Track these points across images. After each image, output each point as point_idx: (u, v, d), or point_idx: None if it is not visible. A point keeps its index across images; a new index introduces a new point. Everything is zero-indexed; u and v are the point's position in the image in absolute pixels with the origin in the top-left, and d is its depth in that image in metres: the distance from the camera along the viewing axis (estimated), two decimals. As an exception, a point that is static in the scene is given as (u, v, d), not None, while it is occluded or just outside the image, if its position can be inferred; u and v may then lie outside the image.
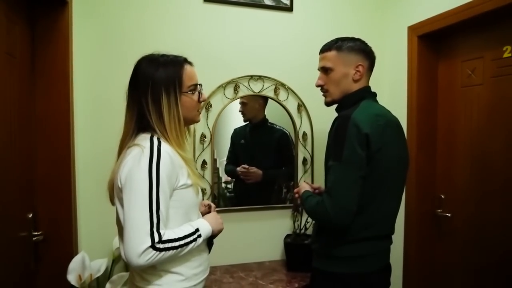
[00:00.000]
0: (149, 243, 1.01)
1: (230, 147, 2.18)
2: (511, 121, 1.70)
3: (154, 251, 1.02)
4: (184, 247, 1.10)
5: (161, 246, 1.03)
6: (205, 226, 1.20)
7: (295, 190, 1.62)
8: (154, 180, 1.05)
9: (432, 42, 2.08)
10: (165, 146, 1.11)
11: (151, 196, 1.04)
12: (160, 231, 1.04)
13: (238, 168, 2.17)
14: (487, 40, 1.82)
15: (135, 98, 1.16)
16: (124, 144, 1.17)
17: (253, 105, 2.20)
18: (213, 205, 1.42)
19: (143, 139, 1.12)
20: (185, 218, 1.18)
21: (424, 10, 2.01)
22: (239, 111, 2.18)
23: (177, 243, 1.08)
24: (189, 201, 1.18)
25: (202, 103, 1.28)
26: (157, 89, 1.14)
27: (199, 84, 1.25)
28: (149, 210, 1.03)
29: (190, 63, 1.24)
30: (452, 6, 1.83)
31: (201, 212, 1.35)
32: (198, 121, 1.29)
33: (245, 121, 2.20)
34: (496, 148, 1.77)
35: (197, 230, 1.16)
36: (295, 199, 2.16)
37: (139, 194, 1.04)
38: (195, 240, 1.14)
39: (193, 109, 1.23)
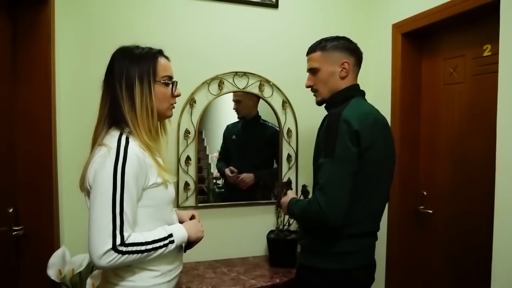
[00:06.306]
0: (110, 245, 0.99)
1: (222, 143, 2.19)
2: (491, 118, 1.70)
3: (116, 254, 1.00)
4: (152, 251, 1.08)
5: (123, 248, 1.01)
6: (180, 231, 1.17)
7: (281, 202, 1.59)
8: (119, 182, 1.03)
9: (416, 40, 2.09)
10: (133, 145, 1.09)
11: (115, 198, 1.02)
12: (124, 233, 1.02)
13: (227, 172, 2.17)
14: (468, 39, 1.83)
15: (109, 87, 1.16)
16: (97, 136, 1.16)
17: (248, 103, 2.20)
18: (196, 214, 1.38)
19: (112, 138, 1.10)
20: (158, 216, 1.17)
21: (408, 8, 2.02)
22: (233, 109, 2.18)
23: (143, 247, 1.06)
24: (161, 199, 1.17)
25: (177, 98, 1.26)
26: (131, 76, 1.13)
27: (174, 81, 1.24)
28: (112, 212, 1.01)
29: (165, 56, 1.24)
30: (435, 4, 1.84)
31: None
32: (170, 116, 1.26)
33: (239, 118, 2.20)
34: (476, 145, 1.79)
35: (170, 235, 1.13)
36: (279, 195, 2.19)
37: (103, 195, 1.02)
38: (166, 245, 1.11)
39: (166, 100, 1.21)
